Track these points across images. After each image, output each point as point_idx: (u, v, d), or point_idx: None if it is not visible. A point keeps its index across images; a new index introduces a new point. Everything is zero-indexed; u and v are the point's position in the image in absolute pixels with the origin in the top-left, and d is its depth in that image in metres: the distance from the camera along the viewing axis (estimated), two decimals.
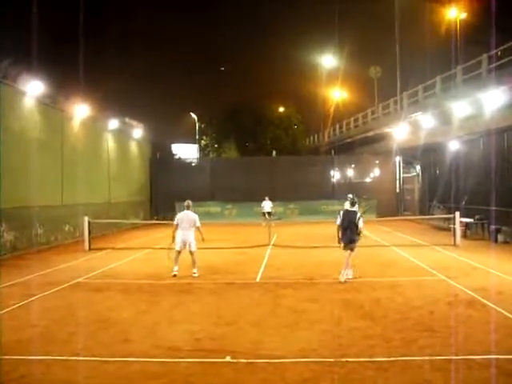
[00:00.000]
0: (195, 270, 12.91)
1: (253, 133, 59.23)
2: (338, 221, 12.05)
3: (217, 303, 10.07)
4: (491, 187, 19.27)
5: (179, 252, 13.00)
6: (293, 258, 16.26)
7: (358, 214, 12.07)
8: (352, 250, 11.96)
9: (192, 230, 12.96)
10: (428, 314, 8.87)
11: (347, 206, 20.87)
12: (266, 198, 27.94)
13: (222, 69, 57.14)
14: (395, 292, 10.76)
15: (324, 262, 15.05)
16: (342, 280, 11.67)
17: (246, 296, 10.70)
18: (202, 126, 59.19)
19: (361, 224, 11.95)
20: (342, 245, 12.07)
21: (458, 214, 18.41)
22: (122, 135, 29.80)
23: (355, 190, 35.70)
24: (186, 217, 13.02)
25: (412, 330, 7.89)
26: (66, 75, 30.36)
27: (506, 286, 11.07)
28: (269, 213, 27.10)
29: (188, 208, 13.30)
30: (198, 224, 13.01)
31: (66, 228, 21.80)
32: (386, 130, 35.91)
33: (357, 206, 20.90)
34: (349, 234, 11.91)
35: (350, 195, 20.61)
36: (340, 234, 12.07)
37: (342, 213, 12.15)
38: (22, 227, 18.27)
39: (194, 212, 13.36)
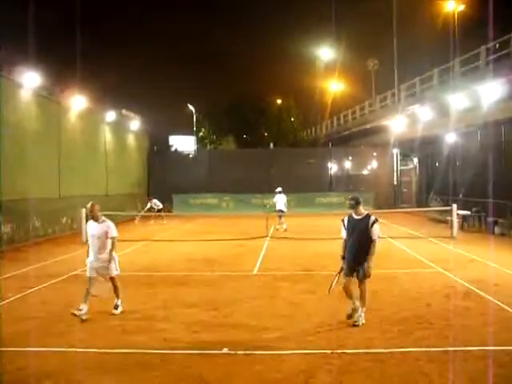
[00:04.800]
0: (119, 302, 8.83)
1: (251, 125, 59.23)
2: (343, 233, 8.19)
3: (214, 295, 10.08)
4: (488, 179, 19.29)
5: (91, 279, 8.69)
6: (290, 249, 16.29)
7: (372, 218, 8.04)
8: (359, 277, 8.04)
9: (106, 246, 8.75)
10: (425, 305, 8.90)
11: (277, 196, 21.61)
12: (151, 198, 27.08)
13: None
14: (392, 284, 10.79)
15: (321, 253, 15.07)
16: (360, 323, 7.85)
17: (244, 288, 10.72)
18: (200, 116, 59.09)
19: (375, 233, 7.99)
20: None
21: (455, 206, 18.44)
22: (119, 127, 29.74)
23: (352, 182, 35.94)
24: (95, 229, 8.82)
25: (409, 321, 7.92)
26: (62, 67, 30.31)
27: (502, 278, 11.11)
28: (159, 209, 26.67)
29: (95, 215, 8.90)
30: (114, 234, 8.84)
31: (64, 220, 21.77)
32: (384, 122, 35.87)
33: (283, 195, 21.79)
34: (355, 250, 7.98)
35: (279, 188, 21.75)
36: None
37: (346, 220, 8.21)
38: (19, 220, 18.24)
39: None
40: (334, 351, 6.58)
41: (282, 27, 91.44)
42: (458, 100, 23.43)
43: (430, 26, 40.25)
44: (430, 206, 27.31)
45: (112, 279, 8.81)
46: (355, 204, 8.12)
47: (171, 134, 51.55)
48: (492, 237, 18.34)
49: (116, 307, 8.76)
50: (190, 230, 23.69)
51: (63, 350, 6.86)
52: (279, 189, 22.17)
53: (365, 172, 38.08)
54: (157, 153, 36.50)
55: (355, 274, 7.97)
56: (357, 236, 7.94)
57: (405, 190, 36.01)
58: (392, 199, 35.01)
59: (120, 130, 30.13)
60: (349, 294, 7.97)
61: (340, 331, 7.46)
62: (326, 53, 55.30)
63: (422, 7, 42.65)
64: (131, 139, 32.52)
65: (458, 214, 19.02)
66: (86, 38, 36.22)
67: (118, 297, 8.85)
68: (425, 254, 14.36)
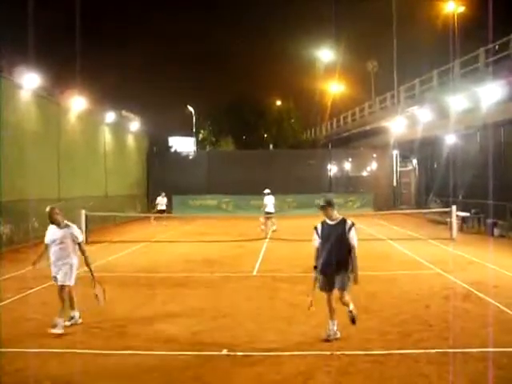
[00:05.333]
0: (74, 315, 8.13)
1: (250, 126, 59.26)
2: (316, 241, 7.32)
3: (213, 296, 10.08)
4: (488, 181, 19.30)
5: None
6: (289, 251, 16.27)
7: (349, 223, 7.16)
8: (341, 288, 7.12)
9: (68, 253, 8.15)
10: (424, 307, 8.90)
11: (267, 201, 22.00)
12: (163, 194, 26.73)
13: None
14: (391, 285, 10.79)
15: None
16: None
17: (243, 289, 10.71)
18: (200, 118, 59.14)
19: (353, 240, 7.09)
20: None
21: (454, 207, 18.44)
22: (118, 128, 29.75)
23: (352, 183, 36.00)
24: (56, 234, 8.31)
25: (408, 323, 7.91)
26: (62, 68, 30.32)
27: (502, 279, 11.10)
28: (162, 210, 26.36)
29: (55, 219, 8.41)
30: (80, 239, 8.40)
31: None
32: (383, 123, 35.91)
33: (272, 197, 22.22)
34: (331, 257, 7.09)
35: (267, 190, 22.20)
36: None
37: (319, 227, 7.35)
38: (18, 220, 18.23)
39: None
40: (333, 353, 6.58)
41: (282, 27, 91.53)
42: (457, 101, 23.45)
43: (430, 27, 40.26)
44: (429, 208, 27.29)
45: (63, 289, 7.92)
46: (326, 206, 7.15)
47: (171, 135, 51.55)
48: (491, 238, 18.33)
49: (72, 318, 8.05)
50: (190, 231, 23.69)
51: (62, 351, 6.85)
52: (267, 190, 22.55)
53: (364, 173, 38.13)
54: (156, 154, 36.49)
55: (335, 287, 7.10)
56: (333, 244, 7.03)
57: (404, 192, 36.03)
58: (391, 200, 35.01)
59: (119, 131, 30.14)
60: (332, 312, 7.21)
61: (339, 332, 7.45)
62: (325, 54, 55.37)
63: (421, 8, 42.67)
64: (131, 140, 32.52)
65: (457, 216, 19.03)
66: (86, 39, 36.23)
67: (72, 307, 8.11)
68: (424, 256, 14.36)
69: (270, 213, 22.07)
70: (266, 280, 11.58)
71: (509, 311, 8.40)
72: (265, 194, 22.35)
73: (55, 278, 8.06)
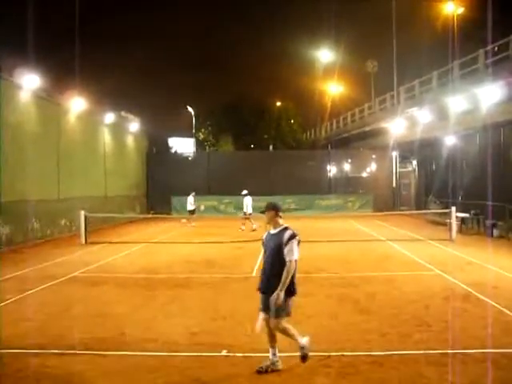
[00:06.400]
0: None
1: (250, 127, 59.28)
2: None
3: (213, 297, 10.07)
4: (487, 182, 19.31)
5: None
6: None
7: (288, 233, 6.06)
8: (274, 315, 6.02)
9: None
10: (424, 308, 8.90)
11: (245, 201, 22.19)
12: (193, 193, 26.84)
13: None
14: (391, 286, 10.78)
15: (319, 256, 15.07)
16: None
17: (243, 290, 10.69)
18: (200, 118, 59.13)
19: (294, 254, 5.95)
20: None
21: (454, 208, 18.45)
22: (118, 129, 29.75)
23: (352, 184, 36.02)
24: None
25: (408, 324, 7.92)
26: (62, 69, 30.34)
27: (501, 280, 11.11)
28: (192, 211, 26.71)
29: None
30: None
31: (63, 222, 21.76)
32: (383, 124, 35.94)
33: (250, 198, 22.64)
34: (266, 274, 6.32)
35: (245, 191, 22.58)
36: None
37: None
38: (18, 221, 18.24)
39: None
40: (333, 354, 6.58)
41: (282, 27, 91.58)
42: (457, 102, 23.48)
43: (430, 28, 40.35)
44: (429, 209, 27.31)
45: None
46: (266, 210, 6.28)
47: (170, 136, 51.58)
48: (490, 239, 18.34)
49: None
50: (190, 231, 23.69)
51: (62, 351, 6.84)
52: (245, 191, 23.07)
53: (364, 174, 38.18)
54: (156, 154, 36.52)
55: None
56: (268, 258, 6.13)
57: (404, 193, 36.03)
58: (391, 201, 35.02)
59: (119, 131, 30.14)
60: (269, 336, 6.19)
61: (339, 333, 7.46)
62: (325, 54, 55.44)
63: (421, 9, 42.73)
64: (130, 141, 32.51)
65: (456, 217, 19.04)
66: (86, 40, 36.32)
67: None
68: (424, 257, 14.37)
69: (247, 213, 22.90)
70: None
71: (508, 312, 8.40)
72: (243, 195, 22.96)
73: None
